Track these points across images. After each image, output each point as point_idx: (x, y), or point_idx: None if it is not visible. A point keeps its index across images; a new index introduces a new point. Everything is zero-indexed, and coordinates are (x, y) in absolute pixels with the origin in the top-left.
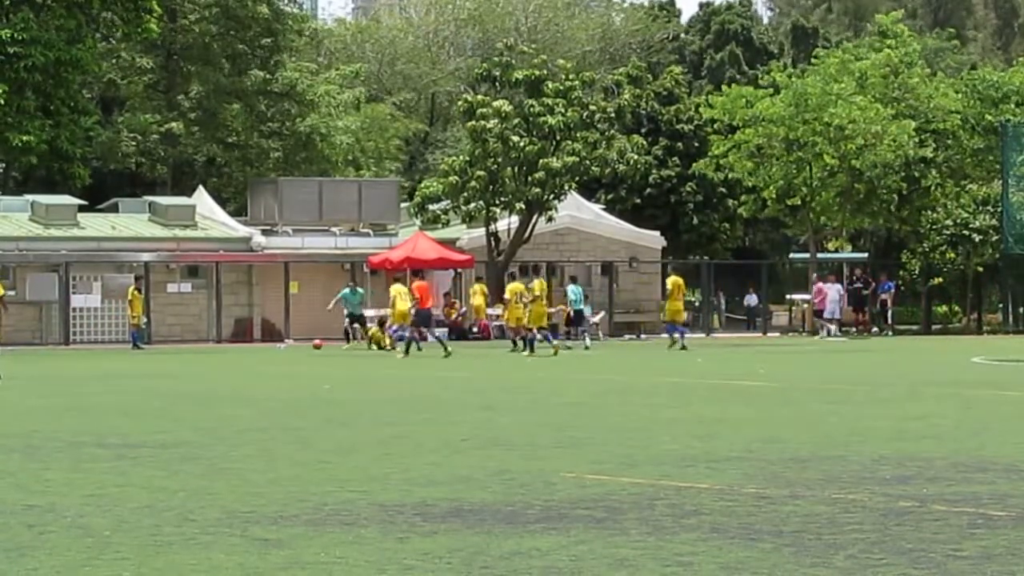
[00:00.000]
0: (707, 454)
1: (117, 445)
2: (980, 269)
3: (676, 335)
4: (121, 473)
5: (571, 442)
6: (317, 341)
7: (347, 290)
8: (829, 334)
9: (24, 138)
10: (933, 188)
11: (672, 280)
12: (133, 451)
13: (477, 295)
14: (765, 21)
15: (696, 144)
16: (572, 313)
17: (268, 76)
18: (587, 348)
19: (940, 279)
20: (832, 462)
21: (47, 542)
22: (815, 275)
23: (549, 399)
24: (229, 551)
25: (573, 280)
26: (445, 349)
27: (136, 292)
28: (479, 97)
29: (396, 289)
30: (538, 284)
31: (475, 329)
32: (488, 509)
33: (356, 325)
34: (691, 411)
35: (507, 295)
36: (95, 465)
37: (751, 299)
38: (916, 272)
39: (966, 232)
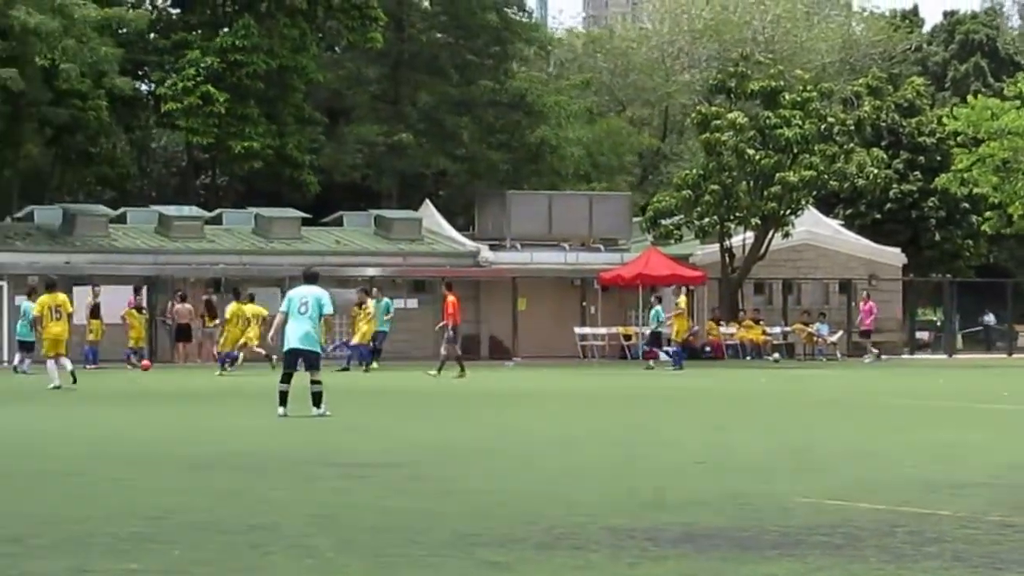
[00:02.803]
0: (949, 479)
1: (342, 464)
2: None
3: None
4: (345, 493)
5: (806, 465)
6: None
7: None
8: None
9: (246, 144)
10: None
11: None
12: (358, 470)
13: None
14: (1015, 29)
15: (938, 158)
16: (649, 334)
17: (497, 86)
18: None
19: None
20: None
21: (270, 563)
22: None
23: (783, 420)
24: (456, 574)
25: (659, 301)
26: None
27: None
28: (714, 109)
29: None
30: (683, 299)
31: (707, 348)
32: (721, 534)
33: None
34: (932, 435)
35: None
36: (319, 484)
37: (988, 318)
38: None
39: None
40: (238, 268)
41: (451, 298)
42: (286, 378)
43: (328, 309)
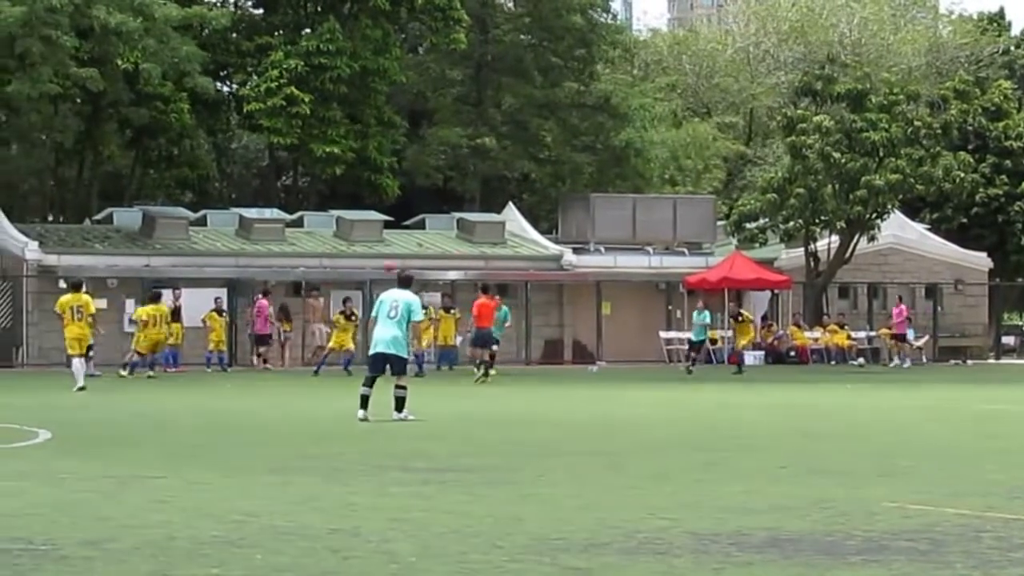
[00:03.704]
0: None
1: (422, 469)
2: None
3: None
4: (426, 497)
5: (893, 470)
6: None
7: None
8: None
9: (328, 148)
10: None
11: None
12: (439, 475)
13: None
14: None
15: None
16: (691, 340)
17: (581, 88)
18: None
19: None
20: None
21: (352, 567)
22: None
23: (868, 425)
24: None
25: (705, 307)
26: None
27: (444, 312)
28: (799, 112)
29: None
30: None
31: (792, 353)
32: (807, 539)
33: None
34: (1021, 440)
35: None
36: (400, 489)
37: None
38: None
39: None
40: (319, 271)
41: (479, 300)
42: (369, 381)
43: (417, 315)
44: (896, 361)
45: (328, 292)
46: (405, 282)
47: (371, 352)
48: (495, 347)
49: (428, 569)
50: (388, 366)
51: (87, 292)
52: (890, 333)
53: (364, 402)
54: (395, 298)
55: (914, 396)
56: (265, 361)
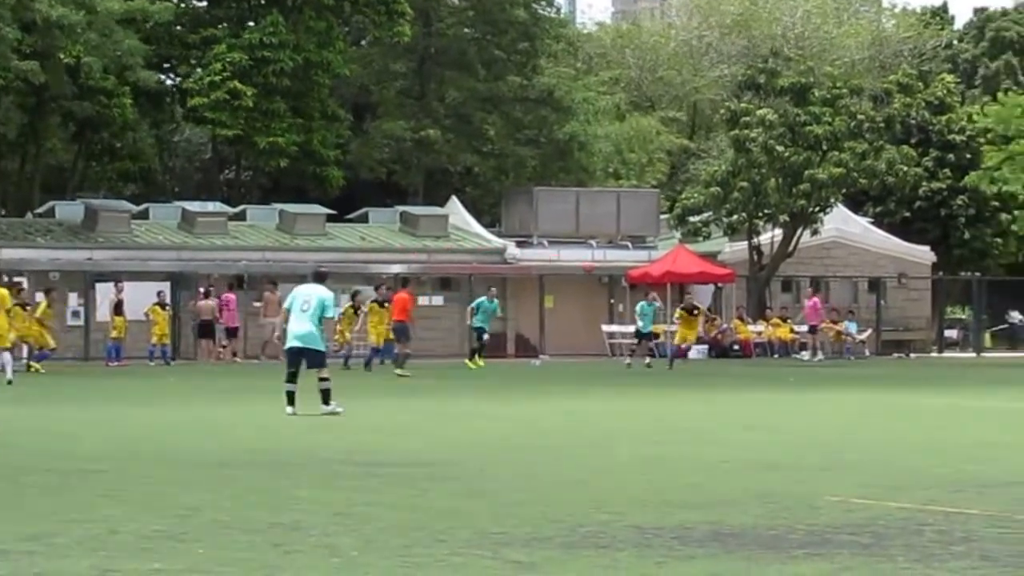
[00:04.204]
0: (978, 479)
1: (366, 463)
2: None
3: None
4: (369, 492)
5: (837, 464)
6: None
7: (484, 299)
8: None
9: (272, 140)
10: None
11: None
12: (382, 469)
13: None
14: None
15: (968, 155)
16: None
17: (525, 82)
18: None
19: None
20: None
21: (294, 561)
22: None
23: (810, 420)
24: (481, 573)
25: (646, 298)
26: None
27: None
28: (743, 105)
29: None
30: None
31: (735, 347)
32: (749, 533)
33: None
34: (964, 434)
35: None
36: (343, 483)
37: (1013, 316)
38: None
39: None
40: (262, 264)
41: (399, 293)
42: (291, 377)
43: (330, 313)
44: (806, 355)
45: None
46: (319, 277)
47: (285, 347)
48: (486, 337)
49: (370, 563)
50: (304, 361)
51: (11, 284)
52: (832, 327)
53: (290, 399)
54: (308, 293)
55: (853, 390)
56: (234, 354)
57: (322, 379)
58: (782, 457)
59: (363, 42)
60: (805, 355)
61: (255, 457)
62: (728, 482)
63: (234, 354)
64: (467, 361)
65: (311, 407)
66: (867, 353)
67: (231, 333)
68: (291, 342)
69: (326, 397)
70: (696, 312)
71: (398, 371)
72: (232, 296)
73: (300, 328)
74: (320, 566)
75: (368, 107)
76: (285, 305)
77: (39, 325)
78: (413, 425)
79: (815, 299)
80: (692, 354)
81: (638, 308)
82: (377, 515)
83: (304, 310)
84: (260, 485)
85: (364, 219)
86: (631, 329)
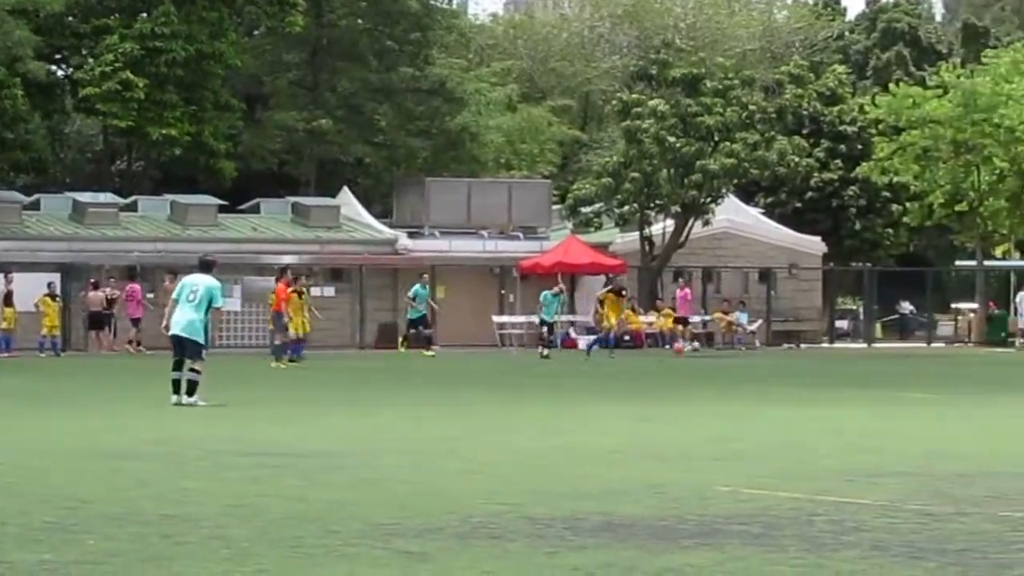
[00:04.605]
0: (869, 469)
1: (258, 454)
2: None
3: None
4: (262, 483)
5: (728, 454)
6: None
7: (418, 286)
8: None
9: (165, 131)
10: None
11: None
12: (274, 460)
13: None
14: (938, 18)
15: (860, 146)
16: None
17: (417, 73)
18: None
19: None
20: (1001, 478)
21: (184, 552)
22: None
23: (701, 410)
24: (372, 564)
25: (551, 291)
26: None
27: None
28: (634, 96)
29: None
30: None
31: (627, 337)
32: (640, 523)
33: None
34: (854, 424)
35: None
36: (234, 474)
37: (903, 307)
38: None
39: None
40: (153, 255)
41: (277, 285)
42: (177, 365)
43: (218, 302)
44: (684, 344)
45: (162, 277)
46: (206, 266)
47: (170, 334)
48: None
49: (262, 554)
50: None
51: None
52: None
53: (175, 386)
54: (195, 282)
55: (741, 380)
56: (139, 344)
57: (193, 370)
58: (672, 447)
59: (255, 33)
60: (683, 343)
61: (146, 448)
62: (619, 473)
63: (138, 343)
64: (423, 351)
65: (212, 398)
66: (757, 344)
67: (135, 323)
68: (174, 330)
69: (192, 388)
70: (624, 293)
71: (274, 364)
72: (137, 287)
73: (183, 317)
74: (211, 557)
75: (260, 98)
76: (173, 295)
77: None
78: (302, 416)
79: (686, 290)
80: (582, 344)
81: (542, 297)
82: (268, 506)
83: (191, 300)
84: (150, 477)
85: (256, 210)
86: (521, 319)
